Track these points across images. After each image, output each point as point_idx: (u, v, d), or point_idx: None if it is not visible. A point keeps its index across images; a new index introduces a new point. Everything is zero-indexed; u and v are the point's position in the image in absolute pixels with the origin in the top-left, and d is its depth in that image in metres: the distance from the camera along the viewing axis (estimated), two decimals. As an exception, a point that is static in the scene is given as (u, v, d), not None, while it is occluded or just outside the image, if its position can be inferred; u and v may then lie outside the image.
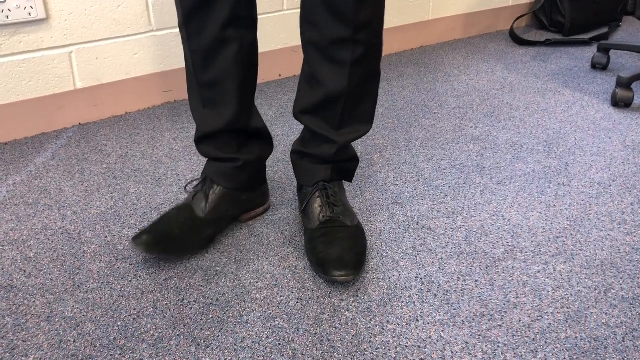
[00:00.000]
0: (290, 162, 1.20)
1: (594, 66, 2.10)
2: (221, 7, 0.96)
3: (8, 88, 1.49)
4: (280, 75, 2.01)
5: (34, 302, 0.98)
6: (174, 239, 1.05)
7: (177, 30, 1.72)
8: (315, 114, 1.07)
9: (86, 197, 1.29)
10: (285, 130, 1.63)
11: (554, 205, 1.27)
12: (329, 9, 0.94)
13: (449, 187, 1.35)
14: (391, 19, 2.19)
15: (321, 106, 1.05)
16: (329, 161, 1.11)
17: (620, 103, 1.76)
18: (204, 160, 1.45)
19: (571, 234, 1.18)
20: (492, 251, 1.12)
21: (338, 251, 1.01)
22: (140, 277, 1.04)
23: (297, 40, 1.99)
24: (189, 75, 1.07)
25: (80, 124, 1.64)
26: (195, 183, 1.36)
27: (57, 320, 0.95)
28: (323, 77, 1.02)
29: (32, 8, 1.45)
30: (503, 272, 1.06)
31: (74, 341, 0.91)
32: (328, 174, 1.12)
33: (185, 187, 1.25)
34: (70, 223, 1.20)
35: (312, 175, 1.13)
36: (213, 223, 1.11)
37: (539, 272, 1.07)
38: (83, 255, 1.10)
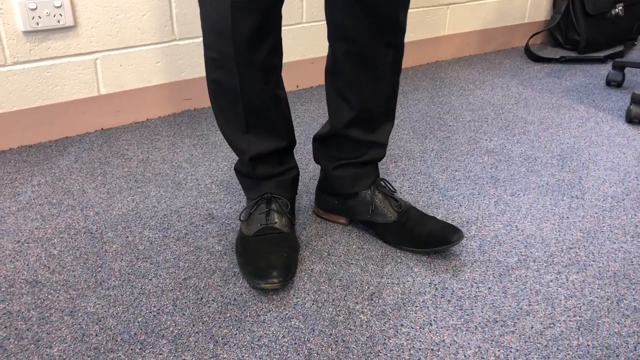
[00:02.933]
0: (323, 174, 1.23)
1: (609, 83, 2.12)
2: (269, 38, 1.00)
3: (35, 92, 1.54)
4: (297, 87, 2.05)
5: (57, 297, 1.01)
6: (289, 264, 1.05)
7: (199, 40, 1.76)
8: (359, 124, 1.11)
9: (108, 199, 1.33)
10: (302, 139, 1.66)
11: (567, 217, 1.29)
12: (372, 21, 0.98)
13: (463, 197, 1.37)
14: (407, 34, 2.23)
15: (364, 114, 1.10)
16: (378, 161, 1.19)
17: (634, 119, 1.77)
18: (224, 165, 1.48)
19: (584, 245, 1.19)
20: (505, 260, 1.14)
21: (437, 224, 1.14)
22: (160, 276, 1.07)
23: (314, 53, 2.02)
24: (227, 104, 1.07)
25: (102, 129, 1.68)
26: (251, 205, 1.23)
27: (80, 314, 0.97)
28: (362, 85, 1.07)
29: (61, 15, 1.50)
30: (516, 281, 1.08)
31: (96, 335, 0.93)
32: (378, 171, 1.20)
33: (239, 217, 1.22)
34: (92, 223, 1.24)
35: (366, 178, 1.18)
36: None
37: (551, 281, 1.08)
38: (105, 254, 1.13)
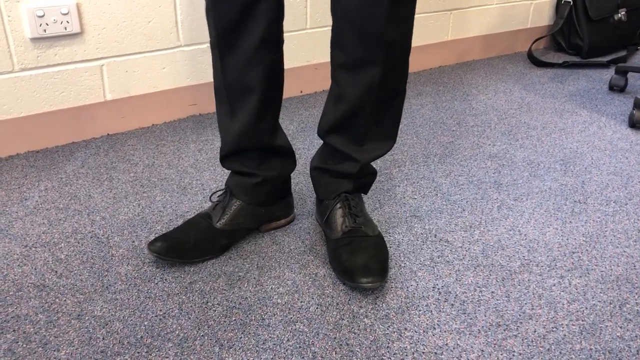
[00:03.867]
0: (310, 177, 1.24)
1: (612, 88, 2.12)
2: (253, 31, 1.01)
3: (42, 98, 1.56)
4: (301, 92, 2.06)
5: (65, 301, 1.03)
6: (187, 247, 1.11)
7: (205, 46, 1.78)
8: (340, 131, 1.11)
9: (114, 204, 1.34)
10: (306, 144, 1.67)
11: (570, 222, 1.29)
12: (358, 31, 0.98)
13: (467, 202, 1.37)
14: (412, 39, 2.24)
15: (345, 121, 1.09)
16: (351, 177, 1.15)
17: (637, 124, 1.78)
18: (228, 172, 1.49)
19: (587, 250, 1.20)
20: (508, 264, 1.15)
21: (363, 259, 1.05)
22: (166, 280, 1.08)
23: (318, 58, 2.04)
24: (219, 91, 1.11)
25: (108, 134, 1.70)
26: (219, 193, 1.40)
27: (87, 318, 0.99)
28: (348, 94, 1.05)
29: (67, 22, 1.52)
30: (519, 285, 1.09)
31: (103, 338, 0.94)
32: (350, 186, 1.15)
33: (210, 197, 1.29)
34: (99, 227, 1.25)
35: (334, 188, 1.16)
36: (228, 234, 1.16)
37: (554, 285, 1.09)
38: (111, 258, 1.15)
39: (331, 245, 1.13)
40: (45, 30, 1.50)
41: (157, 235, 1.22)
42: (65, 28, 1.53)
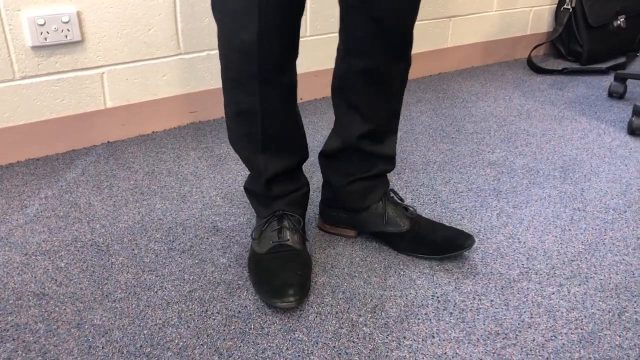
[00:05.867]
0: (331, 190, 1.23)
1: (611, 95, 2.13)
2: (291, 69, 1.04)
3: (43, 106, 1.57)
4: (301, 99, 2.07)
5: (64, 309, 1.03)
6: (304, 281, 1.06)
7: (205, 54, 1.78)
8: (370, 136, 1.13)
9: (114, 212, 1.34)
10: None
11: (569, 230, 1.30)
12: (388, 38, 1.01)
13: (466, 209, 1.38)
14: (417, 46, 2.25)
15: (375, 127, 1.12)
16: (384, 175, 1.21)
17: (636, 131, 1.78)
18: (228, 178, 1.50)
19: (586, 258, 1.20)
20: (507, 272, 1.15)
21: (450, 229, 1.18)
22: (165, 288, 1.09)
23: (318, 65, 2.04)
24: (244, 124, 1.08)
25: (108, 141, 1.70)
26: (262, 225, 1.23)
27: (86, 327, 0.99)
28: (376, 100, 1.09)
29: (68, 31, 1.53)
30: (518, 293, 1.09)
31: (102, 347, 0.95)
32: (388, 183, 1.23)
33: (251, 235, 1.21)
34: (99, 236, 1.25)
35: (377, 191, 1.20)
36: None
37: (553, 293, 1.09)
38: (111, 267, 1.15)
39: (406, 237, 1.18)
40: (46, 39, 1.51)
41: (156, 243, 1.22)
42: (66, 36, 1.53)
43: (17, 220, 1.31)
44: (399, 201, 1.22)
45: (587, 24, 2.44)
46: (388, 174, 1.54)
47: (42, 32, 1.50)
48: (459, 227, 1.30)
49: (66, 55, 1.56)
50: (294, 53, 1.02)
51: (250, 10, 0.93)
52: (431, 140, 1.76)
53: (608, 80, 2.33)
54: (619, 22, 2.50)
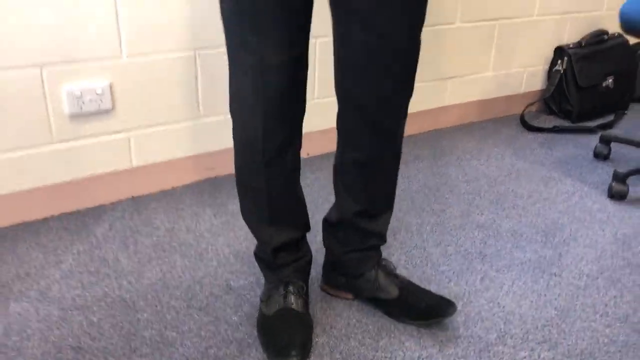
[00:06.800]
0: (332, 256, 1.40)
1: (596, 156, 2.29)
2: (293, 153, 1.22)
3: (76, 166, 1.75)
4: (308, 154, 2.24)
5: (98, 363, 1.19)
6: (306, 342, 1.23)
7: (221, 117, 1.96)
8: (365, 215, 1.29)
9: (139, 268, 1.51)
10: (311, 208, 1.84)
11: (545, 295, 1.45)
12: (376, 133, 1.17)
13: (453, 272, 1.53)
14: (410, 105, 2.42)
15: (369, 207, 1.28)
16: (377, 247, 1.36)
17: (615, 196, 1.94)
18: (240, 235, 1.66)
19: (557, 323, 1.35)
20: (486, 336, 1.30)
21: (433, 296, 1.32)
22: (185, 345, 1.25)
23: (325, 124, 2.22)
24: (253, 201, 1.26)
25: (133, 197, 1.88)
26: (271, 290, 1.38)
27: (117, 380, 1.15)
28: (369, 187, 1.25)
29: (101, 101, 1.72)
30: (494, 356, 1.24)
31: (132, 399, 1.10)
32: (380, 253, 1.37)
33: (260, 298, 1.36)
34: (126, 292, 1.42)
35: (366, 261, 1.35)
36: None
37: (525, 358, 1.24)
38: (137, 323, 1.31)
39: (395, 304, 1.32)
40: (81, 108, 1.69)
41: (177, 300, 1.38)
42: (99, 105, 1.72)
43: (54, 275, 1.47)
44: (392, 269, 1.38)
45: (577, 85, 2.62)
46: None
47: (78, 102, 1.68)
48: (446, 290, 1.45)
49: (98, 121, 1.74)
50: (296, 137, 1.20)
51: (255, 109, 1.11)
52: (426, 200, 1.92)
53: (596, 139, 2.48)
54: (607, 82, 2.67)
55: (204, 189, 1.95)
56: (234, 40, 1.10)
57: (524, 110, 2.64)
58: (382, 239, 1.35)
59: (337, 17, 1.11)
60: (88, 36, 1.64)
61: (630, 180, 2.06)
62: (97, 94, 1.70)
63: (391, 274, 1.36)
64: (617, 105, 2.76)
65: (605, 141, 2.27)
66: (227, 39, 1.11)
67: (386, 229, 1.35)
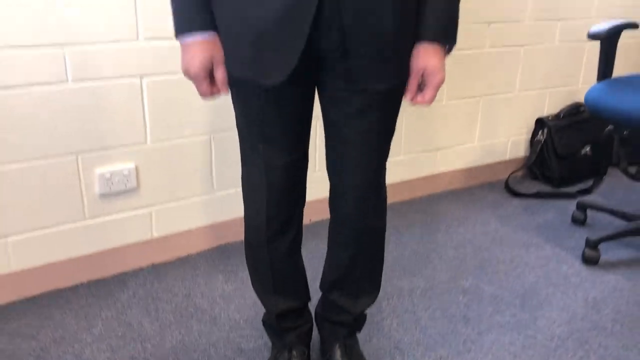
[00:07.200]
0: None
1: (574, 221, 2.50)
2: (292, 229, 1.42)
3: (103, 238, 1.97)
4: (310, 220, 2.46)
5: (129, 420, 1.38)
6: None
7: (233, 191, 2.20)
8: (338, 288, 1.49)
9: (160, 332, 1.71)
10: (312, 275, 2.04)
11: (520, 356, 1.64)
12: (352, 234, 1.38)
13: (439, 335, 1.72)
14: (402, 174, 2.66)
15: (340, 281, 1.48)
16: (347, 325, 1.51)
17: (588, 261, 2.14)
18: (250, 301, 1.86)
19: (529, 383, 1.53)
20: (466, 394, 1.49)
21: None
22: (203, 403, 1.44)
23: (326, 193, 2.45)
24: (260, 273, 1.46)
25: (153, 264, 2.09)
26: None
27: None
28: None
29: (127, 181, 1.95)
30: (472, 413, 1.42)
31: None
32: (346, 332, 1.52)
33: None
34: (150, 355, 1.61)
35: (334, 333, 1.52)
36: None
37: (499, 414, 1.42)
38: (161, 383, 1.50)
39: None
40: (110, 188, 1.93)
41: (195, 362, 1.58)
42: (126, 185, 1.95)
43: (85, 339, 1.67)
44: (354, 354, 1.51)
45: (557, 153, 2.85)
46: (379, 301, 1.89)
47: (108, 183, 1.92)
48: (433, 352, 1.64)
49: (125, 199, 1.97)
50: (297, 220, 1.41)
51: (261, 197, 1.34)
52: (417, 266, 2.12)
53: (575, 204, 2.70)
54: (585, 151, 2.91)
55: (215, 256, 2.16)
56: (245, 143, 1.33)
57: (508, 177, 2.87)
58: (355, 318, 1.49)
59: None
60: (118, 125, 1.89)
61: (602, 246, 2.27)
62: (124, 175, 1.94)
63: (347, 358, 1.50)
64: (595, 171, 3.00)
65: (582, 208, 2.49)
66: (240, 139, 1.35)
67: (361, 310, 1.49)
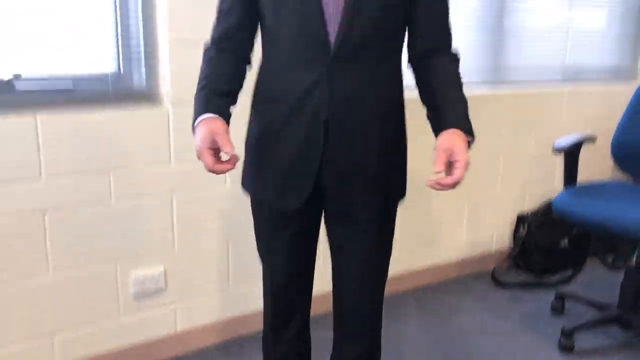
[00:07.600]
0: None
1: (553, 310, 2.76)
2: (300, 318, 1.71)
3: (135, 332, 2.24)
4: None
5: None
6: None
7: (246, 288, 2.49)
8: None
9: (185, 420, 1.95)
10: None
11: None
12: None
13: (430, 420, 1.96)
14: (396, 266, 2.95)
15: None
16: None
17: (563, 349, 2.39)
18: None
19: None
20: None
21: None
22: None
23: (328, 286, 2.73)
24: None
25: (177, 355, 2.35)
26: None
27: None
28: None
29: (157, 282, 2.25)
30: None
31: None
32: None
33: None
34: None
35: None
36: None
37: None
38: None
39: None
40: (142, 288, 2.22)
41: None
42: (155, 285, 2.25)
43: None
44: None
45: (537, 246, 3.15)
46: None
47: (141, 285, 2.22)
48: None
49: (154, 298, 2.27)
50: (301, 315, 1.70)
51: (269, 296, 1.64)
52: (411, 357, 2.38)
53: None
54: (563, 243, 3.21)
55: (231, 349, 2.42)
56: (260, 251, 1.66)
57: (494, 269, 3.16)
58: None
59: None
60: (150, 236, 2.21)
61: (579, 334, 2.53)
62: (154, 277, 2.24)
63: None
64: (574, 261, 3.28)
65: (560, 297, 2.76)
66: (257, 246, 1.66)
67: None
